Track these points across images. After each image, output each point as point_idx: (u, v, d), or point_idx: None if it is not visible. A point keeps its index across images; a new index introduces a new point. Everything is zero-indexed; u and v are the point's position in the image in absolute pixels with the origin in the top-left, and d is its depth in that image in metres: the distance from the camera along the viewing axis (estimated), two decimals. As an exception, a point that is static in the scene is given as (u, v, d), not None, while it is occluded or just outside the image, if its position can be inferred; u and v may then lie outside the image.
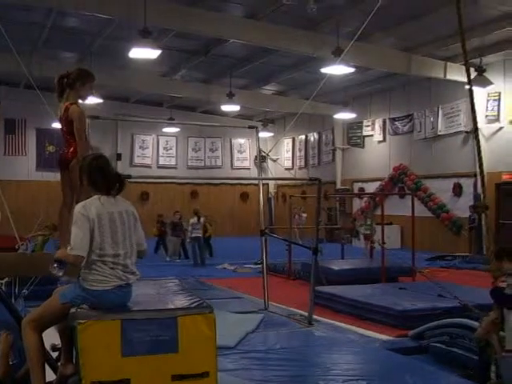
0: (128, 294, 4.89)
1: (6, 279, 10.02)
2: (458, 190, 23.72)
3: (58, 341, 5.50)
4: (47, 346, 5.31)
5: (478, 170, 21.67)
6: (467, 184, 23.25)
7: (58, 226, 6.52)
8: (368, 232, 19.45)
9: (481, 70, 20.43)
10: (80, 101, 6.43)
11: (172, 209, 25.00)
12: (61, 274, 4.89)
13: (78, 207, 4.81)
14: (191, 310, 4.87)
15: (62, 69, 6.66)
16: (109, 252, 4.72)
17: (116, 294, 4.74)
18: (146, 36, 16.47)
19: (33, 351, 4.82)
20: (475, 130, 8.21)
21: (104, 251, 4.71)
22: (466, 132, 22.81)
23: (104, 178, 4.92)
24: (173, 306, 5.04)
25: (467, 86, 20.63)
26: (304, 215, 26.89)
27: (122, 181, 5.06)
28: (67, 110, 6.23)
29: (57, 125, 23.40)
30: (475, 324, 7.26)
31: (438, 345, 8.07)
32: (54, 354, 5.79)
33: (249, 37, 19.04)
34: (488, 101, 22.07)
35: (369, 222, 19.88)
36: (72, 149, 6.24)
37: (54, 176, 25.55)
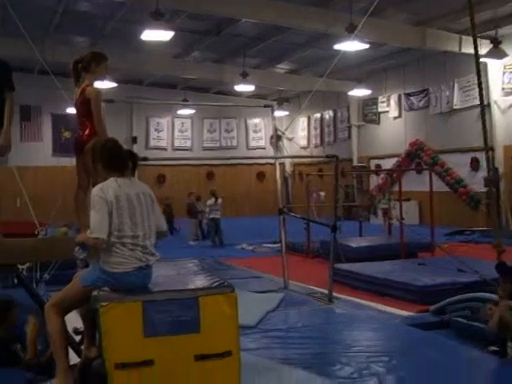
0: (148, 276, 4.90)
1: (27, 264, 10.10)
2: (475, 165, 23.56)
3: (80, 324, 5.54)
4: (70, 329, 5.35)
5: (493, 144, 21.85)
6: (484, 158, 23.05)
7: (74, 209, 6.55)
8: (386, 206, 19.40)
9: (496, 42, 20.21)
10: (96, 82, 6.47)
11: (189, 190, 25.03)
12: (83, 256, 4.92)
13: (95, 190, 4.82)
14: (212, 289, 4.89)
15: (75, 53, 6.69)
16: (128, 233, 4.73)
17: (136, 275, 4.75)
18: (158, 18, 16.41)
19: (56, 335, 4.86)
20: (481, 108, 8.17)
21: (123, 233, 4.72)
22: (483, 105, 22.60)
23: (117, 157, 4.95)
24: (193, 287, 5.05)
25: (483, 59, 20.51)
26: (322, 193, 26.82)
27: (134, 157, 5.09)
28: (83, 91, 6.27)
29: (72, 110, 23.50)
30: (496, 298, 7.23)
31: (460, 319, 8.04)
32: (77, 338, 5.84)
33: (261, 15, 18.93)
34: (504, 73, 21.84)
35: (387, 198, 19.81)
36: (87, 131, 6.27)
37: (71, 161, 25.60)
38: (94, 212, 4.71)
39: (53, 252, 7.01)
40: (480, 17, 18.80)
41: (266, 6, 18.48)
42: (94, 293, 4.75)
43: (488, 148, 7.88)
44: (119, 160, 4.96)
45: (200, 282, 5.27)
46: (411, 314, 9.30)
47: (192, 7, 18.15)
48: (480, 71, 8.06)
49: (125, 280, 4.71)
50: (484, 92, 21.68)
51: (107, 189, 4.76)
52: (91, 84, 6.36)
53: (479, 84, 7.96)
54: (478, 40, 20.30)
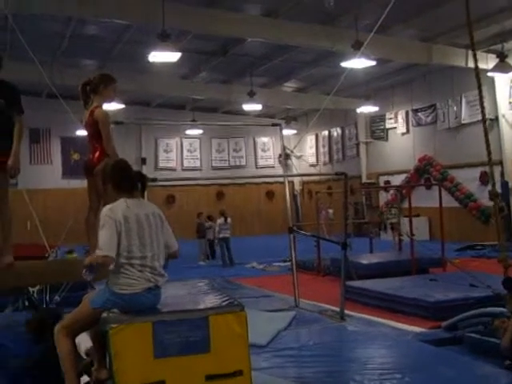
0: (158, 296, 4.89)
1: (38, 287, 10.11)
2: (484, 179, 23.48)
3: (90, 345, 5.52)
4: (81, 350, 5.34)
5: (502, 158, 21.79)
6: (494, 172, 22.97)
7: (85, 231, 6.57)
8: (395, 221, 19.34)
9: (502, 56, 20.24)
10: (105, 104, 6.50)
11: (198, 211, 24.98)
12: (90, 278, 4.91)
13: (104, 210, 4.84)
14: (222, 308, 4.86)
15: (83, 76, 6.73)
16: (136, 254, 4.73)
17: (146, 296, 4.74)
18: (164, 39, 16.50)
19: (66, 357, 4.86)
20: (483, 121, 8.18)
21: (131, 254, 4.72)
22: (491, 119, 22.60)
23: (126, 178, 4.97)
24: (203, 306, 5.03)
25: (489, 73, 20.53)
26: (330, 211, 26.80)
27: (144, 178, 5.11)
28: (92, 114, 6.30)
29: (81, 132, 23.59)
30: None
31: (473, 335, 8.00)
32: (87, 359, 5.82)
33: (267, 35, 19.00)
34: (511, 87, 21.84)
35: (393, 212, 19.77)
36: (97, 153, 6.30)
37: (81, 183, 25.64)
38: (102, 231, 4.72)
39: (63, 274, 7.02)
40: (486, 31, 18.90)
41: (272, 25, 18.55)
42: (104, 315, 4.73)
43: (491, 162, 7.86)
44: (129, 181, 4.98)
45: (210, 301, 5.25)
46: (423, 330, 9.26)
47: (198, 28, 18.24)
48: (481, 85, 8.07)
49: (134, 301, 4.70)
50: (492, 106, 21.84)
51: (116, 209, 4.78)
52: (100, 106, 6.40)
53: (480, 98, 7.97)
54: (485, 54, 20.46)
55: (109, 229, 4.69)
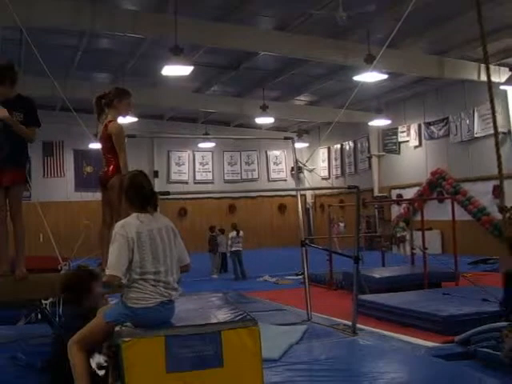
0: (171, 311, 4.89)
1: (51, 299, 10.12)
2: (497, 192, 23.39)
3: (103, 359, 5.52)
4: (93, 364, 5.34)
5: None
6: (507, 185, 22.83)
7: (99, 244, 6.60)
8: (403, 234, 19.26)
9: (515, 70, 20.27)
10: (120, 118, 6.54)
11: (210, 224, 24.96)
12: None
13: (116, 227, 4.86)
14: (235, 323, 4.86)
15: (97, 90, 6.78)
16: (150, 269, 4.74)
17: (159, 310, 4.75)
18: (177, 53, 16.59)
19: (79, 371, 4.87)
20: (495, 134, 8.16)
21: (145, 269, 4.73)
22: (504, 133, 22.55)
23: (138, 195, 4.96)
24: (216, 321, 5.03)
25: (502, 87, 20.51)
26: (342, 224, 26.79)
27: (155, 198, 5.10)
28: (106, 127, 6.34)
29: (94, 145, 23.70)
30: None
31: (485, 350, 7.94)
32: (101, 372, 5.82)
33: (279, 49, 19.07)
34: (524, 100, 21.83)
35: (401, 225, 19.71)
36: (112, 167, 6.33)
37: (93, 196, 25.75)
38: (112, 249, 4.75)
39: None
40: (498, 45, 18.91)
41: (284, 39, 18.62)
42: (117, 328, 4.74)
43: (501, 175, 7.84)
44: (141, 198, 4.98)
45: (223, 315, 5.25)
46: (436, 344, 9.20)
47: (210, 42, 18.31)
48: (493, 100, 8.07)
49: (147, 315, 4.71)
50: (504, 119, 21.77)
51: (128, 226, 4.80)
52: (114, 120, 6.43)
53: (493, 111, 7.97)
54: (497, 68, 20.44)
55: (118, 246, 4.72)
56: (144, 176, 5.13)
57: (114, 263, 4.68)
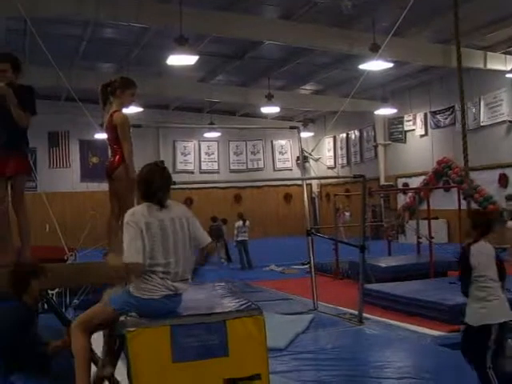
0: (177, 303, 4.84)
1: (57, 290, 10.16)
2: (503, 181, 23.36)
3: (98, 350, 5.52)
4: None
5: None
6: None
7: (107, 234, 6.59)
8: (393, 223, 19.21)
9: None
10: (123, 108, 6.51)
11: (216, 213, 24.90)
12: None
13: (127, 215, 4.79)
14: (240, 312, 4.84)
15: (101, 80, 6.74)
16: (160, 261, 4.68)
17: (164, 302, 4.70)
18: (182, 43, 16.53)
19: (80, 352, 4.85)
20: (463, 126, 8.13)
21: (154, 260, 4.67)
22: (510, 121, 22.49)
23: (151, 190, 4.85)
24: (221, 310, 5.02)
25: (508, 75, 20.43)
26: (348, 213, 26.78)
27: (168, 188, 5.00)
28: (112, 117, 6.31)
29: (99, 135, 23.71)
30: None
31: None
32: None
33: (284, 38, 19.02)
34: (531, 88, 21.76)
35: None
36: (118, 157, 6.31)
37: (99, 186, 25.76)
38: (126, 237, 4.67)
39: (82, 278, 7.05)
40: (505, 32, 18.83)
41: (289, 28, 18.55)
42: (121, 318, 4.73)
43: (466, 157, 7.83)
44: (153, 193, 4.85)
45: (228, 304, 5.24)
46: (442, 333, 9.21)
47: (215, 31, 18.25)
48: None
49: (151, 306, 4.65)
50: (510, 108, 21.71)
51: (138, 214, 4.74)
52: (119, 110, 6.40)
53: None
54: (504, 56, 20.38)
55: (130, 234, 4.64)
56: (155, 172, 4.96)
57: (133, 251, 4.60)
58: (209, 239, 5.10)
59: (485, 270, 5.93)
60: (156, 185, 4.86)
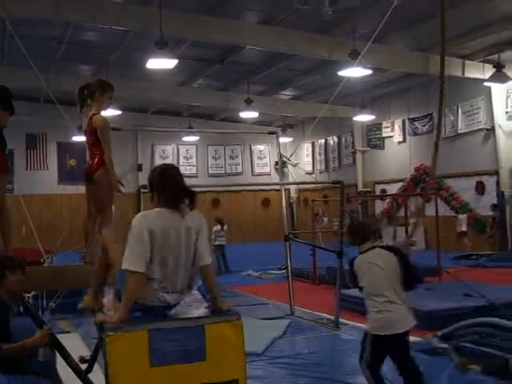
0: (168, 311, 4.79)
1: (33, 293, 10.08)
2: (480, 189, 23.56)
3: (85, 353, 5.51)
4: (76, 358, 5.33)
5: (498, 168, 21.89)
6: (490, 182, 23.11)
7: (84, 238, 6.54)
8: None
9: (499, 66, 20.34)
10: (102, 111, 6.48)
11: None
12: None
13: (135, 218, 4.64)
14: (218, 317, 4.83)
15: (80, 82, 6.70)
16: (156, 270, 4.58)
17: (155, 309, 4.67)
18: (162, 47, 16.50)
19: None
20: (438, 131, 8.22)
21: (152, 268, 4.56)
22: (487, 129, 22.72)
23: (170, 188, 4.67)
24: (199, 314, 5.01)
25: (486, 83, 20.62)
26: (325, 219, 26.86)
27: (192, 195, 4.76)
28: (91, 120, 6.28)
29: (77, 138, 23.56)
30: (505, 322, 7.19)
31: (468, 344, 7.99)
32: (83, 366, 5.80)
33: (265, 43, 19.05)
34: (508, 97, 21.91)
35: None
36: (97, 160, 6.27)
37: (76, 189, 25.60)
38: (129, 241, 4.54)
39: (59, 281, 7.01)
40: (483, 41, 19.00)
41: (269, 33, 18.58)
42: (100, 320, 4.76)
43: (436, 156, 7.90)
44: (170, 191, 4.65)
45: (206, 309, 5.23)
46: (419, 339, 9.24)
47: (195, 35, 18.25)
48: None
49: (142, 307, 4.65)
50: (488, 116, 21.95)
51: (144, 219, 4.60)
52: (98, 113, 6.37)
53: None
54: (481, 65, 20.57)
55: (134, 239, 4.51)
56: (161, 172, 4.77)
57: (131, 258, 4.48)
58: (209, 260, 4.84)
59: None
60: (176, 188, 4.68)
